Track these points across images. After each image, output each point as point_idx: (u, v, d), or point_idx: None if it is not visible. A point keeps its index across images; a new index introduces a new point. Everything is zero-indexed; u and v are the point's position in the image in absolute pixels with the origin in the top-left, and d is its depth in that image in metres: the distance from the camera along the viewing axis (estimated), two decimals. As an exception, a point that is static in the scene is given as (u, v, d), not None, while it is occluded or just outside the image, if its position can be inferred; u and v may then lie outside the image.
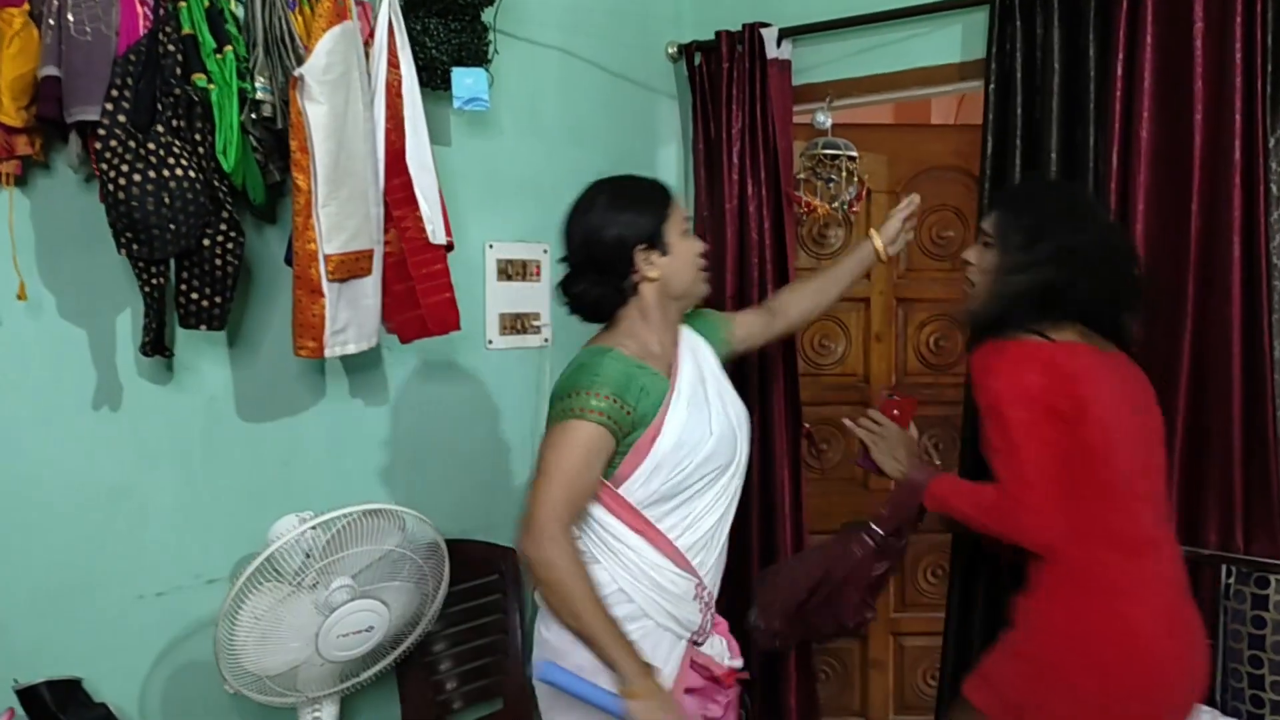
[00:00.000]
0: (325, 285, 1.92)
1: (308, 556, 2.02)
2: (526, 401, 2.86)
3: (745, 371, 2.94)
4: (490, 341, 2.75)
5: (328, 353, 1.96)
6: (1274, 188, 2.23)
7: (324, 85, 1.90)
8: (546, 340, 2.88)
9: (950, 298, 3.32)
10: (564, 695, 1.69)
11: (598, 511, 1.74)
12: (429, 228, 2.09)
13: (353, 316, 2.00)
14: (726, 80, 3.02)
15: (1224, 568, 2.30)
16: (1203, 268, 2.32)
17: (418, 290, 2.13)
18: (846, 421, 2.20)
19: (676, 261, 1.79)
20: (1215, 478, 2.33)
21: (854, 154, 2.91)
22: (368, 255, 2.01)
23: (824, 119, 2.93)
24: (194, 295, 1.90)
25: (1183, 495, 2.38)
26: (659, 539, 1.73)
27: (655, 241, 1.76)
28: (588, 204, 1.78)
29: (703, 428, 1.74)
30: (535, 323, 2.86)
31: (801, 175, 2.97)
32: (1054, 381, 1.81)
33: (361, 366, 2.43)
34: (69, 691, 1.98)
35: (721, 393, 1.84)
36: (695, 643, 1.81)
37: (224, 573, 2.21)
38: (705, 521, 1.77)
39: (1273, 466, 2.25)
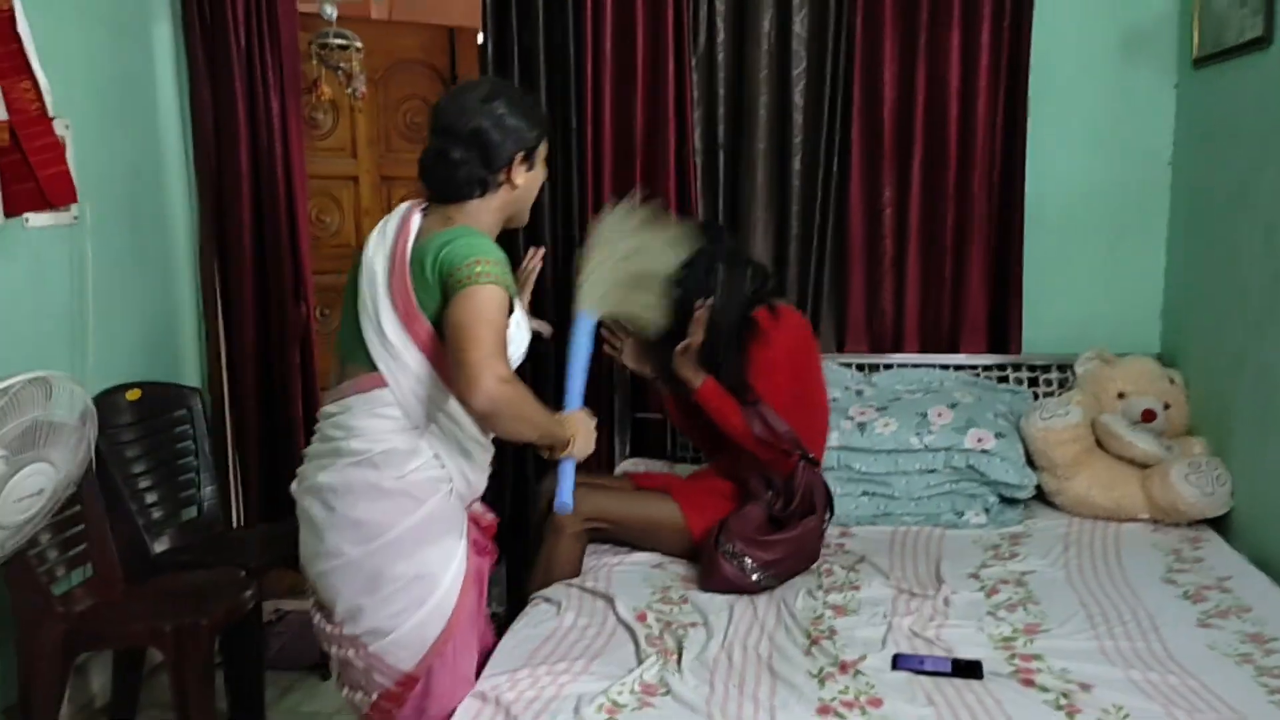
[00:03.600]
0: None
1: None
2: (63, 283, 2.82)
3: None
4: (27, 220, 2.66)
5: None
6: (695, 93, 3.18)
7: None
8: (76, 218, 2.85)
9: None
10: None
11: (434, 384, 1.79)
12: (47, 100, 2.10)
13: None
14: (228, -34, 3.17)
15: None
16: (648, 151, 3.21)
17: (33, 163, 2.12)
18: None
19: (533, 182, 1.93)
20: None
21: (360, 45, 3.29)
22: (4, 126, 1.98)
23: (331, 10, 3.25)
24: None
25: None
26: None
27: (530, 156, 1.89)
28: (490, 94, 1.87)
29: (525, 322, 1.94)
30: (65, 200, 2.81)
31: (314, 62, 3.27)
32: None
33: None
34: None
35: None
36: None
37: None
38: None
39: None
